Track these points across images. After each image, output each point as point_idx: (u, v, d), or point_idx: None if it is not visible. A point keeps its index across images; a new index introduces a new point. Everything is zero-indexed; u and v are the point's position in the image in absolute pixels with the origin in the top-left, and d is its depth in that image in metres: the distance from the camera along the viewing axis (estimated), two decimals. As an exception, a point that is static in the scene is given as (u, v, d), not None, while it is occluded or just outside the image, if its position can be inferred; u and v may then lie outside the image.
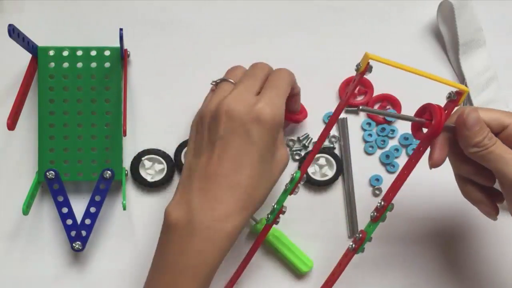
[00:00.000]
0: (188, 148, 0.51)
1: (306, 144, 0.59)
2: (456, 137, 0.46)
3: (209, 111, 0.48)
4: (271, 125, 0.46)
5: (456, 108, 0.46)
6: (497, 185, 0.47)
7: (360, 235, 0.49)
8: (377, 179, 0.59)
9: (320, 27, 0.60)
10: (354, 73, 0.58)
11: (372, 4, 0.61)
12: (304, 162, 0.50)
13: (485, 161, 0.46)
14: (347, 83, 0.60)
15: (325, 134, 0.49)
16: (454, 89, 0.46)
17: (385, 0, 0.61)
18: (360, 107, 0.44)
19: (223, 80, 0.51)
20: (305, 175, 0.50)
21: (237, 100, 0.47)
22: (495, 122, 0.46)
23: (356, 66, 0.45)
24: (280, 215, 0.51)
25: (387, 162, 0.59)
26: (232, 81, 0.51)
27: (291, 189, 0.50)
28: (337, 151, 0.59)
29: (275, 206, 0.51)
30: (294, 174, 0.49)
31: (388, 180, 0.59)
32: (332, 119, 0.47)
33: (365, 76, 0.45)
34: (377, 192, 0.59)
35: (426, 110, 0.46)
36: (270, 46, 0.60)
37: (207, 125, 0.48)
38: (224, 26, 0.60)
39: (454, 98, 0.45)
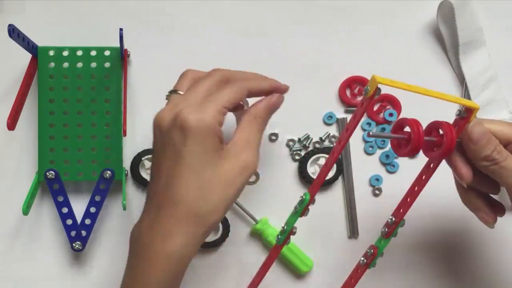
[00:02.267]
0: None
1: (307, 144, 0.59)
2: (463, 151, 0.45)
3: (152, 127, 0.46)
4: (196, 131, 0.42)
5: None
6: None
7: (372, 250, 0.48)
8: (377, 179, 0.59)
9: (320, 27, 0.60)
10: (354, 73, 0.59)
11: (372, 4, 0.61)
12: (313, 185, 0.48)
13: (496, 176, 0.44)
14: (347, 83, 0.60)
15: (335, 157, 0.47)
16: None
17: (385, 0, 0.61)
18: (371, 133, 0.43)
19: (172, 92, 0.48)
20: (314, 198, 0.48)
21: (166, 110, 0.45)
22: (500, 135, 0.45)
23: (364, 90, 0.42)
24: (292, 236, 0.49)
25: (387, 162, 0.59)
26: (181, 92, 0.47)
27: (301, 211, 0.48)
28: (337, 151, 0.59)
29: (285, 227, 0.49)
30: (304, 197, 0.47)
31: (388, 180, 0.59)
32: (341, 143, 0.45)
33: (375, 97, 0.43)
34: (377, 192, 0.59)
35: (403, 125, 0.45)
36: (270, 46, 0.60)
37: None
38: (224, 26, 0.60)
39: (465, 115, 0.44)
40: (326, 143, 0.59)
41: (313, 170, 0.58)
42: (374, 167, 0.60)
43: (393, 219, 0.47)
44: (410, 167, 0.55)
